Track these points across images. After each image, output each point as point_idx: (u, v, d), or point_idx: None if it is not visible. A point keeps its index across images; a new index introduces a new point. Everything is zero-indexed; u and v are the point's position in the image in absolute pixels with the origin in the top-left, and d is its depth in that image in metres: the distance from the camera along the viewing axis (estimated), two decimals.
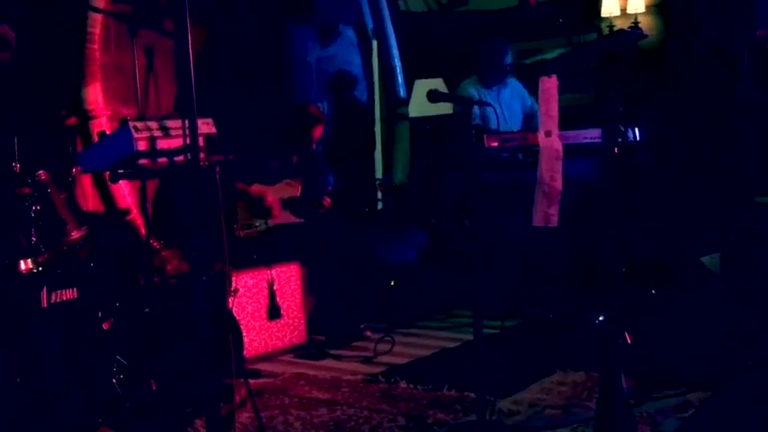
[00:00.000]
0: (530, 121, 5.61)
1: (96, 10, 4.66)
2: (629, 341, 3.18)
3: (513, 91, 5.72)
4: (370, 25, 7.02)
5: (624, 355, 2.99)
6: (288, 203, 4.94)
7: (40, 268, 3.11)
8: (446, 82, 6.32)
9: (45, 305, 3.06)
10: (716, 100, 5.49)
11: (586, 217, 4.53)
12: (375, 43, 7.10)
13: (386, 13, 7.00)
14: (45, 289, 3.06)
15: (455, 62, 6.19)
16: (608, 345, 2.98)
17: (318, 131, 5.09)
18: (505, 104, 5.55)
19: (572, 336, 4.37)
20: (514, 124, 5.56)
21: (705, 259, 4.79)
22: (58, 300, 3.10)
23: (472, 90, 5.51)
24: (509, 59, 5.60)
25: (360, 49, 6.94)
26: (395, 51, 7.02)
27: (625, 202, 3.39)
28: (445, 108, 5.79)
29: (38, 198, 3.23)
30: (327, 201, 5.07)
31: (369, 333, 4.80)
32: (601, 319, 4.27)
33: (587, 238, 4.54)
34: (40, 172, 3.26)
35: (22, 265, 3.09)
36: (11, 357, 2.95)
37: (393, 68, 7.01)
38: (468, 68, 5.74)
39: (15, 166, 3.24)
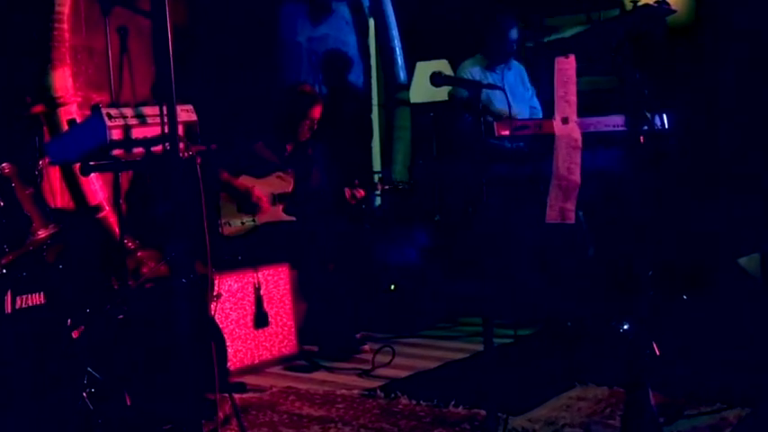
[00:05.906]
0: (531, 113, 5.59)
1: None
2: (657, 352, 3.18)
3: (517, 74, 5.70)
4: (366, 2, 7.01)
5: (652, 367, 2.98)
6: (278, 199, 4.93)
7: (4, 270, 3.12)
8: (451, 64, 6.30)
9: (9, 311, 3.06)
10: (754, 84, 5.47)
11: (609, 214, 4.52)
12: (372, 22, 7.09)
13: None
14: (9, 293, 3.06)
15: (461, 43, 6.18)
16: (634, 356, 2.98)
17: (317, 112, 5.05)
18: (510, 88, 5.52)
19: (593, 346, 4.36)
20: (521, 111, 5.55)
21: (743, 260, 4.78)
22: (23, 305, 3.10)
23: (476, 71, 5.49)
24: (515, 37, 5.57)
25: (355, 28, 6.93)
26: (394, 31, 7.01)
27: (652, 197, 3.38)
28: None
29: (1, 193, 3.22)
30: (360, 192, 5.03)
31: (366, 347, 4.75)
32: (626, 327, 4.27)
33: (611, 237, 4.53)
34: (4, 165, 3.28)
35: None
36: None
37: (392, 49, 7.00)
38: (473, 49, 5.73)
39: None
